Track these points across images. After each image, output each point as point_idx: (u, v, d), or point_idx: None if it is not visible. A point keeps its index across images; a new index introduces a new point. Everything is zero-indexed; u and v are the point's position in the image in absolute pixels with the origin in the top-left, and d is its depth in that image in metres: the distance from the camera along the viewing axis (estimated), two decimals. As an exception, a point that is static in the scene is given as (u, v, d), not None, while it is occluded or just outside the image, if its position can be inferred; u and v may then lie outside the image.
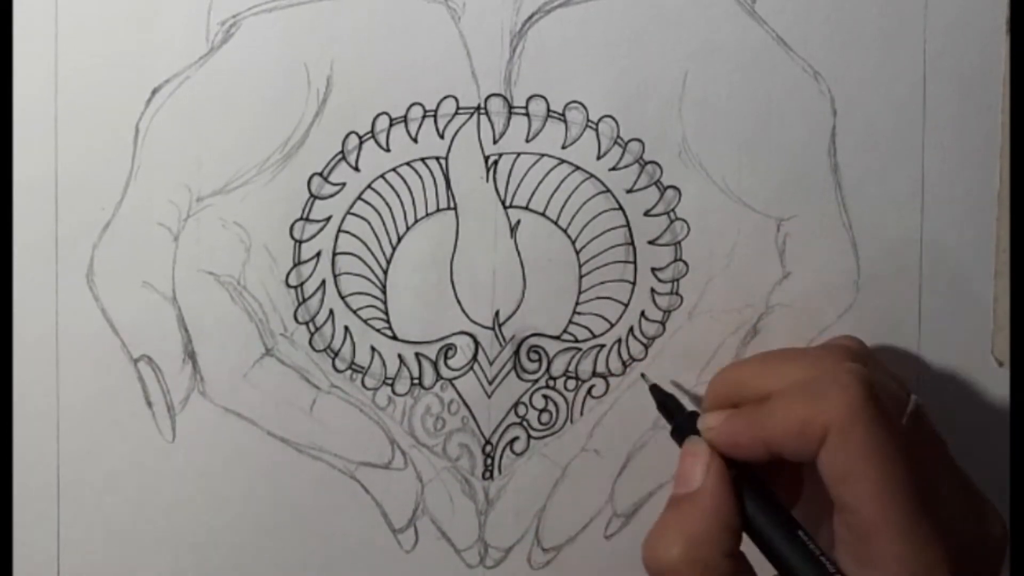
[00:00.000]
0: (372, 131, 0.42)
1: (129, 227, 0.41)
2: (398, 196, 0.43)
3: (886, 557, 0.35)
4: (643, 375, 0.43)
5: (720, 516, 0.37)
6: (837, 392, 0.36)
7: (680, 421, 0.41)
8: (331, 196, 0.42)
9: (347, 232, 0.43)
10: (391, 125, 0.42)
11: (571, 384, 0.44)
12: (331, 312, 0.43)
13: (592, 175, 0.43)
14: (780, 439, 0.37)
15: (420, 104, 0.42)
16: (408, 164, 0.43)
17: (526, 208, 0.43)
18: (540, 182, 0.43)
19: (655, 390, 0.42)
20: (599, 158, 0.43)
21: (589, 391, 0.44)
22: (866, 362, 0.39)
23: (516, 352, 0.44)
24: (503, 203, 0.43)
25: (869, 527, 0.35)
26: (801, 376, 0.38)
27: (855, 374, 0.36)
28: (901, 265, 0.45)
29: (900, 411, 0.37)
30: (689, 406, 0.42)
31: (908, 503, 0.34)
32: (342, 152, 0.42)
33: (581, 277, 0.44)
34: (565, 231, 0.44)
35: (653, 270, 0.44)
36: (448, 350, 0.43)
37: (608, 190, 0.44)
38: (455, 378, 0.43)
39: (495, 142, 0.43)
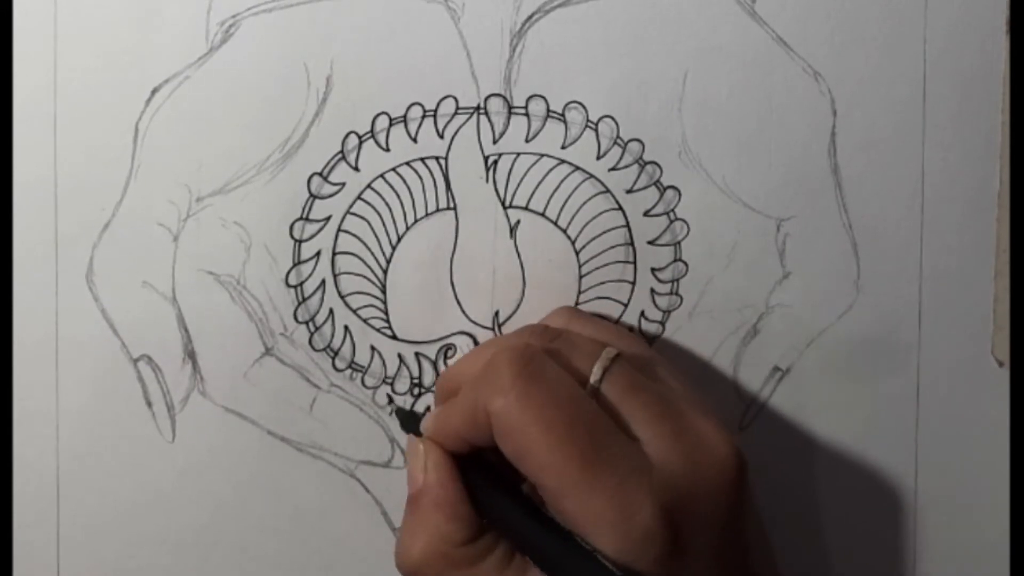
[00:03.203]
0: (372, 131, 0.42)
1: (129, 227, 0.42)
2: (398, 196, 0.43)
3: (577, 518, 0.35)
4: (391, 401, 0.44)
5: (448, 507, 0.37)
6: (492, 375, 0.36)
7: (402, 418, 0.41)
8: (331, 196, 0.42)
9: (347, 232, 0.43)
10: (391, 125, 0.42)
11: (571, 384, 0.44)
12: (331, 311, 0.43)
13: (592, 175, 0.43)
14: (463, 429, 0.37)
15: (420, 104, 0.42)
16: (408, 164, 0.43)
17: (526, 208, 0.43)
18: (540, 182, 0.43)
19: (399, 411, 0.42)
20: (599, 158, 0.43)
21: (589, 391, 0.44)
22: (557, 334, 0.39)
23: (516, 352, 0.44)
24: (503, 203, 0.43)
25: (556, 493, 0.35)
26: (483, 362, 0.38)
27: (508, 352, 0.36)
28: (901, 265, 0.45)
29: (590, 362, 0.37)
30: None
31: (582, 459, 0.35)
32: (342, 152, 0.42)
33: (581, 277, 0.44)
34: (565, 231, 0.44)
35: (653, 270, 0.44)
36: (448, 350, 0.43)
37: (608, 190, 0.44)
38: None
39: (495, 142, 0.43)
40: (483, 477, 0.38)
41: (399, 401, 0.43)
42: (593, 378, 0.37)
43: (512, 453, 0.36)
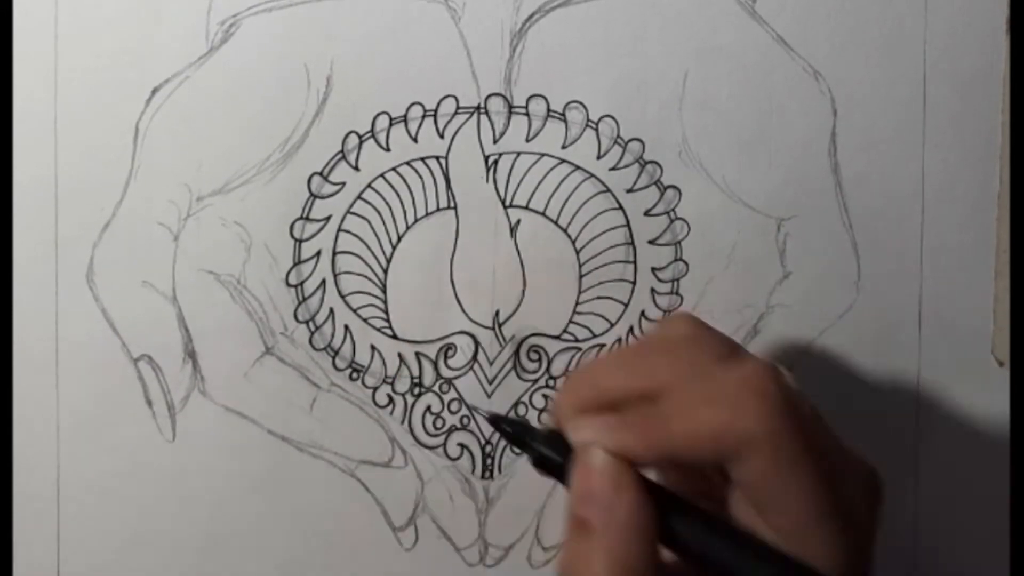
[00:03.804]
0: (372, 130, 0.42)
1: (129, 227, 0.42)
2: (398, 195, 0.43)
3: (819, 554, 0.33)
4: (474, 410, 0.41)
5: (646, 534, 0.32)
6: (756, 401, 0.33)
7: (541, 444, 0.35)
8: (331, 195, 0.42)
9: (347, 231, 0.43)
10: (391, 125, 0.42)
11: (571, 384, 0.44)
12: (331, 311, 0.43)
13: (592, 175, 0.43)
14: (685, 449, 0.33)
15: (420, 104, 0.42)
16: (408, 163, 0.43)
17: (526, 208, 0.43)
18: (540, 182, 0.43)
19: (496, 422, 0.36)
20: (599, 158, 0.43)
21: (589, 391, 0.44)
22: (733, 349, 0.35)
23: (516, 352, 0.44)
24: (503, 203, 0.43)
25: (800, 529, 0.33)
26: (681, 372, 0.34)
27: (771, 378, 0.33)
28: (901, 265, 0.45)
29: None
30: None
31: (831, 502, 0.33)
32: (342, 151, 0.42)
33: (581, 277, 0.44)
34: (565, 231, 0.44)
35: (653, 270, 0.44)
36: (448, 349, 0.43)
37: (608, 190, 0.44)
38: (455, 377, 0.44)
39: (495, 142, 0.43)
40: (671, 501, 0.34)
41: (399, 400, 0.43)
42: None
43: (768, 487, 0.33)
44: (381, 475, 0.44)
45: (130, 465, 0.42)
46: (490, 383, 0.44)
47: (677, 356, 0.35)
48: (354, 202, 0.43)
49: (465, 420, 0.44)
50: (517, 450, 0.39)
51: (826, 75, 0.44)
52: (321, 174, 0.42)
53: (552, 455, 0.34)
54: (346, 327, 0.43)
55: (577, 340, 0.44)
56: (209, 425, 0.43)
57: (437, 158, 0.43)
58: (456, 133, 0.43)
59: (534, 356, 0.44)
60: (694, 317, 0.37)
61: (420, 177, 0.43)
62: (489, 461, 0.44)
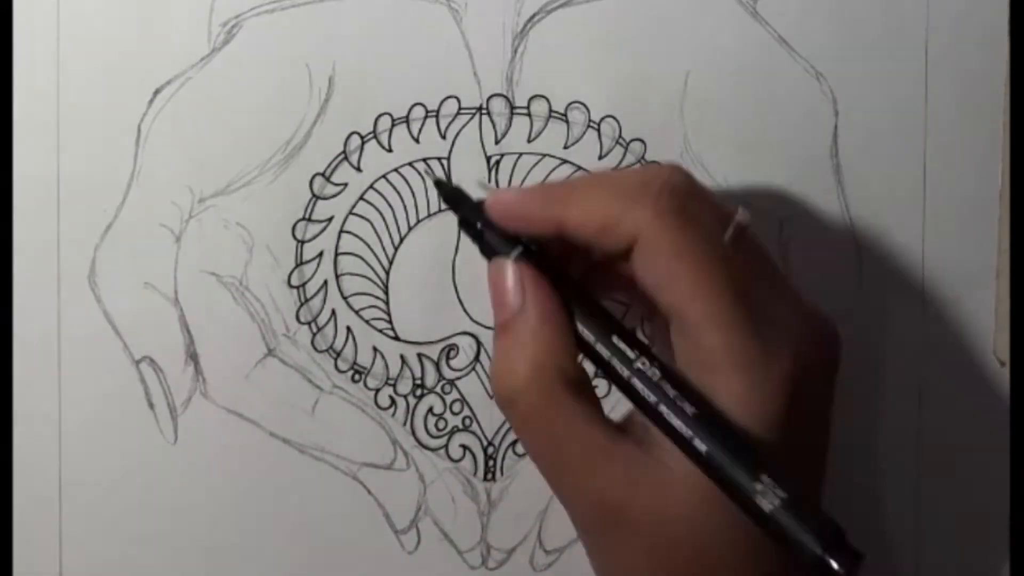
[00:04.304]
0: (374, 131, 0.42)
1: (131, 228, 0.42)
2: (400, 196, 0.43)
3: (718, 353, 0.33)
4: (427, 172, 0.41)
5: (555, 323, 0.35)
6: (649, 196, 0.34)
7: (467, 209, 0.37)
8: (333, 196, 0.42)
9: (349, 232, 0.43)
10: (393, 125, 0.42)
11: (573, 384, 0.44)
12: (333, 312, 0.43)
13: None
14: (576, 226, 0.34)
15: (422, 104, 0.42)
16: (410, 164, 0.43)
17: (528, 208, 0.43)
18: (542, 182, 0.43)
19: (440, 185, 0.39)
20: (601, 158, 0.43)
21: (591, 391, 0.44)
22: (690, 177, 0.36)
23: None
24: (505, 203, 0.43)
25: (699, 324, 0.33)
26: (615, 176, 0.36)
27: (674, 170, 0.35)
28: (903, 265, 0.45)
29: (723, 227, 0.35)
30: None
31: (733, 300, 0.33)
32: (344, 152, 0.42)
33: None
34: (567, 231, 0.43)
35: (655, 270, 0.44)
36: (450, 350, 0.43)
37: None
38: (457, 379, 0.43)
39: (497, 142, 0.43)
40: (581, 302, 0.35)
41: (401, 402, 0.43)
42: (730, 231, 0.35)
43: (657, 276, 0.34)
44: (383, 477, 0.43)
45: (132, 467, 0.42)
46: (493, 384, 0.44)
47: (615, 173, 0.38)
48: (356, 203, 0.42)
49: (467, 421, 0.44)
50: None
51: (827, 75, 0.44)
52: (323, 175, 0.42)
53: (472, 221, 0.36)
54: (348, 328, 0.43)
55: (579, 341, 0.44)
56: (211, 427, 0.42)
57: (439, 159, 0.43)
58: (458, 134, 0.43)
59: (536, 357, 0.44)
60: (680, 168, 0.38)
61: (422, 178, 0.43)
62: (491, 463, 0.44)
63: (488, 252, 0.36)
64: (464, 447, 0.44)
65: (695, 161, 0.44)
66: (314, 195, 0.42)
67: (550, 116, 0.43)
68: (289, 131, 0.42)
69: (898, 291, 0.45)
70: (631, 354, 0.34)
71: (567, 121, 0.43)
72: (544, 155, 0.43)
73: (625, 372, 0.34)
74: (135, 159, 0.41)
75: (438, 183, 0.39)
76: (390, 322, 0.43)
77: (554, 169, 0.43)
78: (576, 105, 0.43)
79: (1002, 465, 0.45)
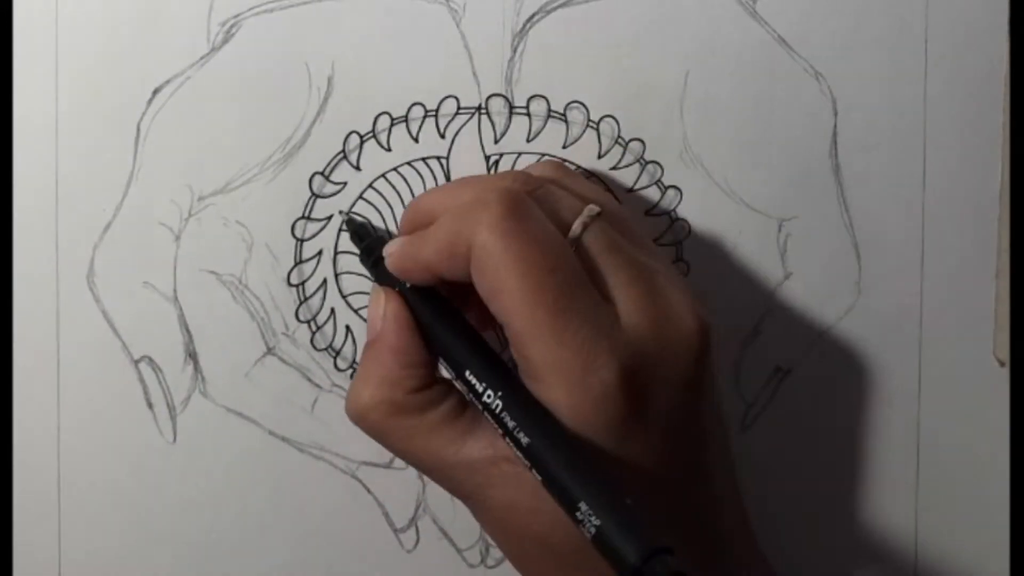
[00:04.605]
0: (373, 131, 0.42)
1: (130, 227, 0.42)
2: (399, 195, 0.43)
3: (540, 365, 0.35)
4: (340, 212, 0.43)
5: (400, 356, 0.37)
6: (479, 209, 0.35)
7: (367, 245, 0.41)
8: (333, 195, 0.42)
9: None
10: (392, 125, 0.42)
11: (572, 384, 0.44)
12: (332, 311, 0.43)
13: (593, 174, 0.43)
14: (435, 260, 0.36)
15: (421, 104, 0.42)
16: (409, 164, 0.43)
17: (527, 208, 0.43)
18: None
19: (350, 222, 0.42)
20: (600, 157, 0.43)
21: (590, 391, 0.44)
22: (541, 184, 0.38)
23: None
24: (504, 203, 0.43)
25: (522, 336, 0.35)
26: (467, 199, 0.37)
27: (498, 191, 0.36)
28: (902, 265, 0.45)
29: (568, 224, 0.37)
30: None
31: (554, 305, 0.34)
32: (343, 151, 0.42)
33: (582, 277, 0.44)
34: (566, 231, 0.43)
35: (654, 270, 0.44)
36: (449, 350, 0.43)
37: (609, 189, 0.43)
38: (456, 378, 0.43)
39: (496, 142, 0.43)
40: (438, 313, 0.38)
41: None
42: (573, 232, 0.37)
43: (487, 289, 0.35)
44: (382, 476, 0.43)
45: (131, 466, 0.42)
46: (491, 383, 0.44)
47: (473, 186, 0.38)
48: (355, 202, 0.43)
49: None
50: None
51: (827, 75, 0.44)
52: (322, 174, 0.42)
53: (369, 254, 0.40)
54: (347, 327, 0.43)
55: (578, 340, 0.44)
56: (210, 426, 0.43)
57: (438, 158, 0.43)
58: (457, 133, 0.43)
59: (535, 356, 0.44)
60: (554, 162, 0.42)
61: (421, 177, 0.43)
62: (490, 462, 0.44)
63: (379, 279, 0.39)
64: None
65: (695, 161, 0.44)
66: (313, 194, 0.42)
67: (549, 116, 0.43)
68: (288, 130, 0.42)
69: (898, 291, 0.45)
70: (479, 387, 0.35)
71: (566, 121, 0.43)
72: (543, 155, 0.43)
73: (477, 404, 0.36)
74: (134, 158, 0.41)
75: (347, 221, 0.42)
76: (389, 321, 0.43)
77: (553, 169, 0.43)
78: (575, 105, 0.43)
79: (1002, 465, 0.45)
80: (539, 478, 0.34)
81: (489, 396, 0.35)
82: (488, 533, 0.39)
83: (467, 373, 0.36)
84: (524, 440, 0.34)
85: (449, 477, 0.37)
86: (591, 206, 0.37)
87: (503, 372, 0.36)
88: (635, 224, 0.40)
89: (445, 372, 0.38)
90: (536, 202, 0.37)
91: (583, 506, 0.32)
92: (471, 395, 0.36)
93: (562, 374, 0.34)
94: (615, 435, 0.34)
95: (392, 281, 0.38)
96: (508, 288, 0.35)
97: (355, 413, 0.38)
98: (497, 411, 0.35)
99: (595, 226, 0.37)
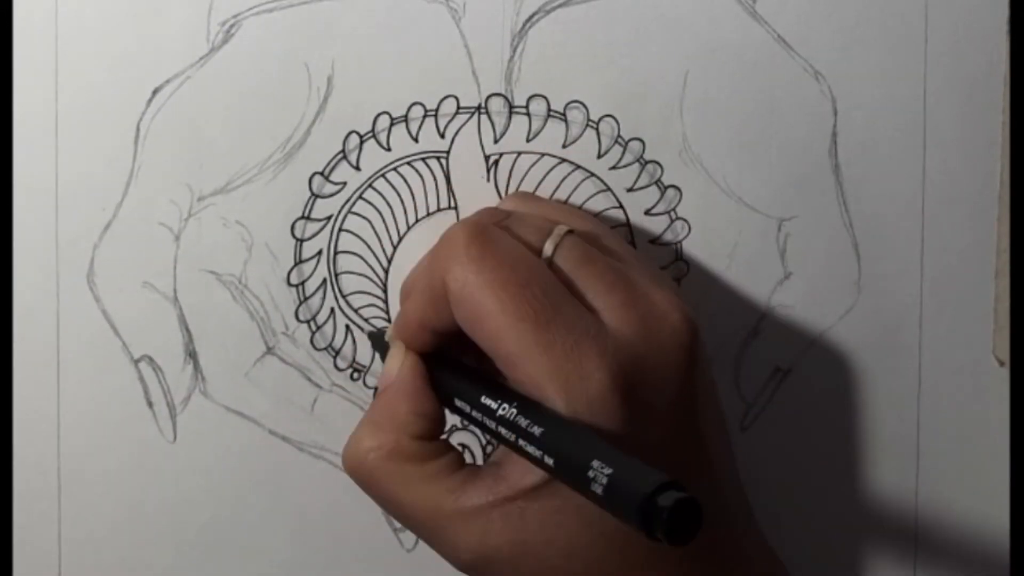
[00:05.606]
0: (373, 130, 0.42)
1: (130, 227, 0.42)
2: (399, 195, 0.43)
3: (533, 379, 0.35)
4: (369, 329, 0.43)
5: (412, 400, 0.37)
6: (447, 247, 0.36)
7: (375, 335, 0.42)
8: (332, 195, 0.42)
9: (348, 231, 0.43)
10: (392, 124, 0.42)
11: (572, 384, 0.44)
12: (332, 311, 0.43)
13: (592, 174, 0.43)
14: (422, 312, 0.37)
15: (421, 104, 0.42)
16: (409, 163, 0.43)
17: (527, 208, 0.43)
18: (541, 181, 0.43)
19: (376, 339, 0.43)
20: (599, 157, 0.43)
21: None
22: (508, 214, 0.39)
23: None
24: (504, 203, 0.43)
25: (511, 360, 0.35)
26: (437, 247, 0.38)
27: (461, 224, 0.37)
28: (902, 265, 0.45)
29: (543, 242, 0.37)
30: None
31: (535, 321, 0.35)
32: (343, 151, 0.42)
33: (582, 277, 0.44)
34: (566, 231, 0.43)
35: (654, 270, 0.44)
36: (449, 350, 0.43)
37: (608, 189, 0.44)
38: (456, 378, 0.44)
39: (496, 141, 0.43)
40: (451, 371, 0.38)
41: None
42: (545, 252, 0.37)
43: (468, 321, 0.36)
44: (382, 475, 0.43)
45: (131, 466, 0.42)
46: (491, 383, 0.44)
47: (447, 231, 0.38)
48: (355, 202, 0.43)
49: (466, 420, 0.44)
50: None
51: (827, 75, 0.44)
52: (322, 174, 0.42)
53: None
54: (347, 327, 0.43)
55: (578, 340, 0.44)
56: (210, 425, 0.43)
57: (438, 158, 0.43)
58: (457, 133, 0.43)
59: (535, 356, 0.44)
60: (520, 192, 0.43)
61: (421, 177, 0.43)
62: (490, 461, 0.44)
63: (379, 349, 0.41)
64: (463, 445, 0.44)
65: (694, 160, 0.44)
66: (313, 194, 0.42)
67: (549, 115, 0.43)
68: (288, 130, 0.42)
69: (897, 291, 0.45)
70: (493, 405, 0.36)
71: (566, 120, 0.43)
72: (543, 154, 0.43)
73: (492, 425, 0.36)
74: (134, 158, 0.41)
75: (371, 335, 0.43)
76: (389, 321, 0.43)
77: (552, 168, 0.43)
78: (575, 104, 0.43)
79: (1002, 465, 0.45)
80: (551, 462, 0.33)
81: (504, 408, 0.35)
82: None
83: (483, 397, 0.36)
84: (537, 431, 0.34)
85: (443, 528, 0.37)
86: (560, 225, 0.38)
87: (515, 392, 0.36)
88: (612, 236, 0.40)
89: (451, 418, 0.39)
90: (504, 230, 0.37)
91: (595, 463, 0.32)
92: (486, 418, 0.36)
93: (556, 384, 0.34)
94: (615, 436, 0.34)
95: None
96: (488, 312, 0.35)
97: (353, 457, 0.38)
98: (512, 418, 0.35)
99: (566, 243, 0.37)
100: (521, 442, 0.35)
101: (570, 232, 0.38)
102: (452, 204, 0.43)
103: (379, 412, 0.38)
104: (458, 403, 0.38)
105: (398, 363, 0.38)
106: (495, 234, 0.37)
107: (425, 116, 0.43)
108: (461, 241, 0.36)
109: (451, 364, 0.39)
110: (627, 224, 0.44)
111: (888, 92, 0.44)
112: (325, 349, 0.43)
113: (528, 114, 0.43)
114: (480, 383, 0.37)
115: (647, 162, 0.44)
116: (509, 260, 0.36)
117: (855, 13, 0.44)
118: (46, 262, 0.41)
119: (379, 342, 0.42)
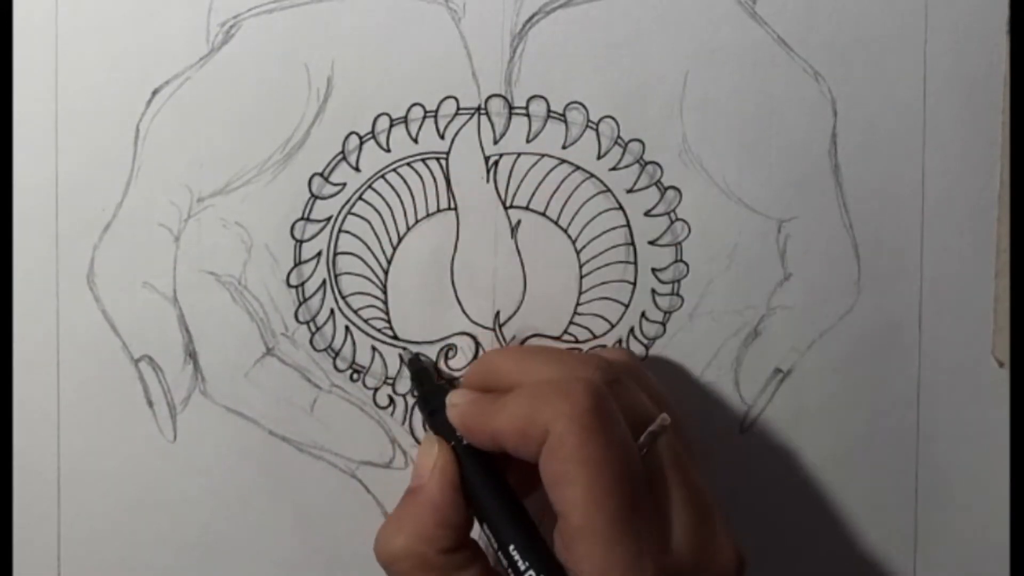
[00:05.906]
0: (372, 131, 0.42)
1: (130, 228, 0.42)
2: (399, 196, 0.43)
3: (583, 563, 0.35)
4: (403, 354, 0.43)
5: (440, 514, 0.38)
6: (561, 397, 0.36)
7: (427, 391, 0.42)
8: (332, 196, 0.42)
9: (348, 232, 0.43)
10: (391, 125, 0.42)
11: (571, 384, 0.44)
12: (332, 312, 0.43)
13: (592, 175, 0.43)
14: (504, 435, 0.37)
15: (420, 105, 0.42)
16: (409, 164, 0.43)
17: (526, 208, 0.43)
18: (540, 182, 0.43)
19: (413, 363, 0.43)
20: (599, 158, 0.43)
21: (589, 391, 0.44)
22: (618, 377, 0.38)
23: (516, 352, 0.44)
24: (503, 203, 0.43)
25: (574, 532, 0.35)
26: (545, 376, 0.38)
27: (583, 382, 0.36)
28: (902, 266, 0.45)
29: (643, 429, 0.37)
30: None
31: (615, 514, 0.35)
32: (343, 152, 0.42)
33: (581, 277, 0.44)
34: (565, 231, 0.44)
35: (654, 271, 0.44)
36: (449, 350, 0.43)
37: (608, 190, 0.44)
38: (456, 378, 0.44)
39: (495, 142, 0.43)
40: (488, 479, 0.38)
41: (399, 401, 0.43)
42: (644, 441, 0.37)
43: (553, 476, 0.36)
44: (382, 476, 0.44)
45: (131, 466, 0.42)
46: (491, 384, 0.44)
47: (550, 364, 0.39)
48: (355, 203, 0.43)
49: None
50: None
51: (826, 76, 0.44)
52: (322, 175, 0.42)
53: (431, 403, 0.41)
54: (347, 328, 0.43)
55: (578, 341, 0.44)
56: (210, 426, 0.43)
57: (438, 159, 0.43)
58: (457, 134, 0.43)
59: (535, 357, 0.44)
60: (625, 351, 0.43)
61: (420, 178, 0.43)
62: (490, 462, 0.44)
63: (435, 428, 0.40)
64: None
65: (694, 161, 0.44)
66: (313, 195, 0.42)
67: (548, 116, 0.43)
68: (288, 131, 0.42)
69: (897, 291, 0.45)
70: (522, 566, 0.36)
71: (566, 121, 0.43)
72: (543, 155, 0.43)
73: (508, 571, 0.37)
74: (134, 159, 0.41)
75: (410, 362, 0.43)
76: (388, 322, 0.43)
77: (552, 169, 0.43)
78: (575, 105, 0.43)
79: (1002, 465, 0.45)
80: None
81: (531, 574, 0.36)
82: None
83: (511, 548, 0.37)
84: None
85: None
86: (664, 415, 0.37)
87: (547, 555, 0.36)
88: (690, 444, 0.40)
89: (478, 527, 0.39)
90: (614, 397, 0.37)
91: None
92: (510, 568, 0.36)
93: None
94: None
95: (447, 433, 0.39)
96: (577, 483, 0.35)
97: (386, 556, 0.38)
98: None
99: (663, 438, 0.37)
100: None
101: (670, 425, 0.38)
102: (452, 205, 0.43)
103: (408, 517, 0.38)
104: (486, 528, 0.38)
105: (431, 462, 0.39)
106: (612, 409, 0.36)
107: (425, 117, 0.43)
108: (581, 401, 0.36)
109: (484, 467, 0.39)
110: (627, 225, 0.44)
111: (888, 92, 0.44)
112: (325, 350, 0.43)
113: (528, 115, 0.43)
114: (513, 520, 0.37)
115: (647, 163, 0.44)
116: (616, 444, 0.36)
117: (855, 14, 0.44)
118: (46, 262, 0.41)
119: (416, 367, 0.42)
